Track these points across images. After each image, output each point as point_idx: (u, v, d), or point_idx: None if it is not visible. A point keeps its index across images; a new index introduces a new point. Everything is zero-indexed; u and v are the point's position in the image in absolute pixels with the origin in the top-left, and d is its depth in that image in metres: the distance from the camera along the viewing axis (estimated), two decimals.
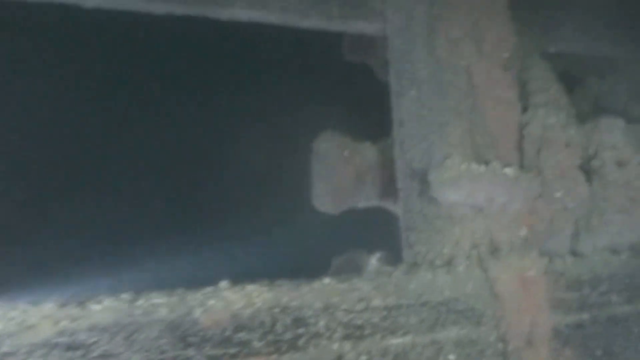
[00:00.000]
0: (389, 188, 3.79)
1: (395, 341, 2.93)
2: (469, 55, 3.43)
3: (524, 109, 3.57)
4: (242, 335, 2.65)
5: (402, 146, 3.60)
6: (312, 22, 3.70)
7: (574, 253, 3.39)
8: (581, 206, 3.29)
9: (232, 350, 2.62)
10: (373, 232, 4.28)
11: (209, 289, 2.76)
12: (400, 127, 3.61)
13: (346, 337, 2.83)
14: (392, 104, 3.63)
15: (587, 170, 3.37)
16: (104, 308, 2.53)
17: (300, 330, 2.77)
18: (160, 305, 2.60)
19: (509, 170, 3.29)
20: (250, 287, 2.78)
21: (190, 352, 2.55)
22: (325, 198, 3.72)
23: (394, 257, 3.79)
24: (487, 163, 3.32)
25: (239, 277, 2.84)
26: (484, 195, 3.22)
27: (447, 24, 3.41)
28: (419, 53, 3.46)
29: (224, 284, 2.79)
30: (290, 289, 2.82)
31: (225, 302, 2.68)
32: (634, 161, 3.26)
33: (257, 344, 2.66)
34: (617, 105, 4.33)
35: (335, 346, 2.80)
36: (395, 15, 3.67)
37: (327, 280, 2.95)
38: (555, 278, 3.26)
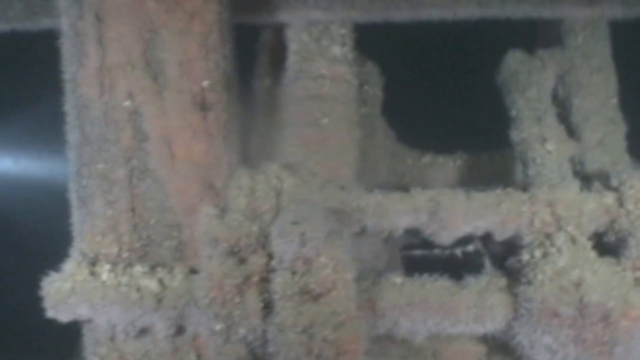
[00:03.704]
0: None
1: None
2: (134, 89, 2.20)
3: None
4: None
5: None
6: None
7: None
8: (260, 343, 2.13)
9: None
10: None
11: None
12: None
13: None
14: None
15: None
16: None
17: None
18: None
19: (152, 284, 2.20)
20: None
21: None
22: None
23: None
24: (132, 265, 2.24)
25: None
26: (109, 317, 2.21)
27: (96, 39, 2.17)
28: (67, 85, 2.32)
29: None
30: None
31: None
32: (334, 292, 1.95)
33: None
34: None
35: None
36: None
37: None
38: None
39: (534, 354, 2.14)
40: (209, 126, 2.24)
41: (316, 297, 1.98)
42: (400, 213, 2.20)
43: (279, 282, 2.00)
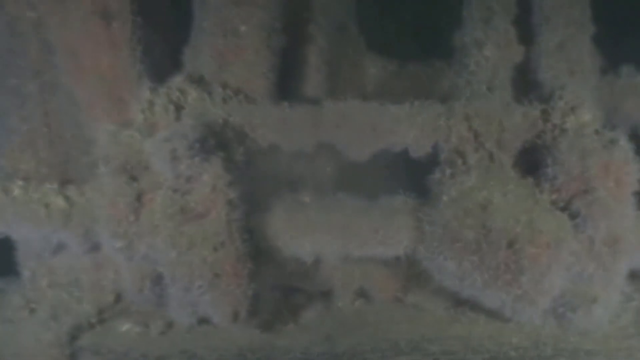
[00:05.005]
0: None
1: None
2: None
3: None
4: None
5: None
6: None
7: None
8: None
9: None
10: None
11: None
12: None
13: None
14: None
15: None
16: None
17: None
18: None
19: (60, 201, 2.17)
20: None
21: None
22: None
23: None
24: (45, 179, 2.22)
25: None
26: (21, 233, 2.21)
27: None
28: None
29: None
30: None
31: None
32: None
33: None
34: None
35: None
36: None
37: None
38: None
39: (443, 280, 1.98)
40: (113, 36, 2.14)
41: (197, 217, 1.89)
42: (306, 127, 2.05)
43: (160, 201, 1.93)
